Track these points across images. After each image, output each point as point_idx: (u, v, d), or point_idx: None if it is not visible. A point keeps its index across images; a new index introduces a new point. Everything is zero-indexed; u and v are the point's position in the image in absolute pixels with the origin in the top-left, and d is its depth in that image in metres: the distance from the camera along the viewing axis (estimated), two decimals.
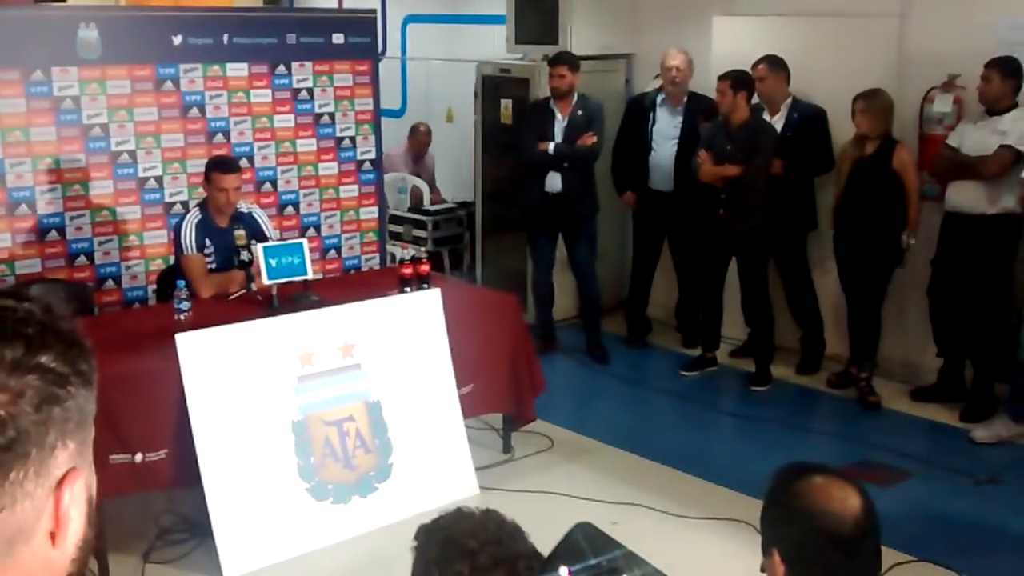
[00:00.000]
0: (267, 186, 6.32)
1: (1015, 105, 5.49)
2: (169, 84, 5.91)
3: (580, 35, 7.24)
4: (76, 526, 0.89)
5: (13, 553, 0.85)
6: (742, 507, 4.35)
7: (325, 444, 4.47)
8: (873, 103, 5.76)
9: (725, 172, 6.07)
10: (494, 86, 7.52)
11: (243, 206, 5.28)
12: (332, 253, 6.63)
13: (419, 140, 8.86)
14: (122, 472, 3.99)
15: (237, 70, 6.12)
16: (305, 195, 6.47)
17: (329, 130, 6.52)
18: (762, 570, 1.99)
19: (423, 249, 6.66)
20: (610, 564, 1.35)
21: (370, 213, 6.78)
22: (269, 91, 6.25)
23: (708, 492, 4.86)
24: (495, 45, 7.84)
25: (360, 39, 6.60)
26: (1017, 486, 4.98)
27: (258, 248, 4.77)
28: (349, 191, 6.65)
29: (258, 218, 5.33)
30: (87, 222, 5.70)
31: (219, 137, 6.09)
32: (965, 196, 5.60)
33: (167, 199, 5.94)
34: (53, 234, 5.61)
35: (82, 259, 5.70)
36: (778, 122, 6.27)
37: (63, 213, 5.62)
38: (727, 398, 6.33)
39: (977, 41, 5.64)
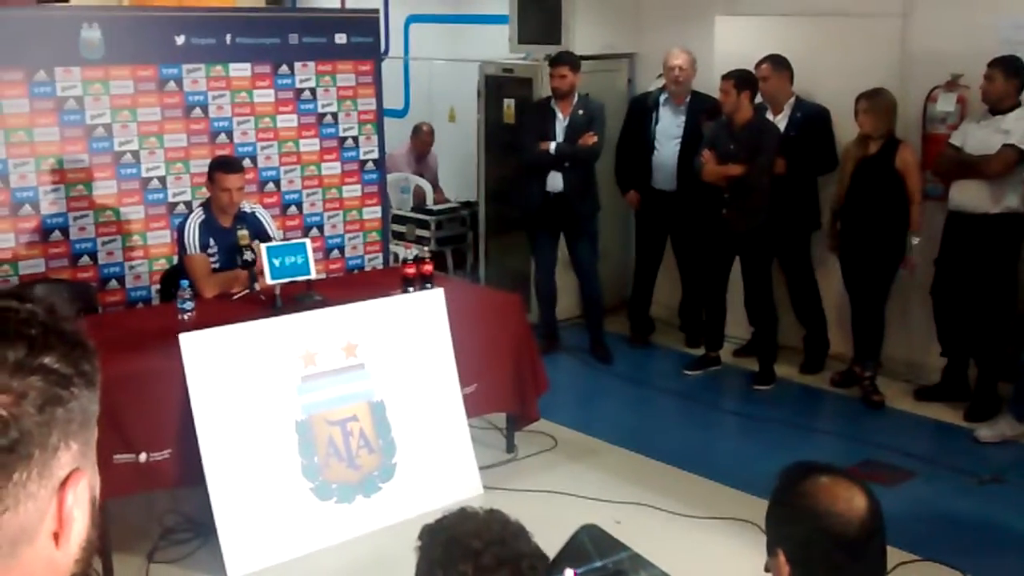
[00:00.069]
0: (270, 186, 6.32)
1: (1018, 104, 5.48)
2: (172, 84, 5.91)
3: (583, 34, 7.23)
4: (79, 527, 0.89)
5: (17, 554, 0.85)
6: (746, 507, 4.35)
7: (329, 444, 4.48)
8: (876, 103, 5.76)
9: (728, 171, 6.06)
10: (497, 86, 7.52)
11: (246, 206, 5.28)
12: (335, 253, 6.64)
13: (422, 140, 8.86)
14: (126, 472, 3.99)
15: (240, 70, 6.12)
16: (308, 195, 6.47)
17: (332, 130, 6.52)
18: (767, 570, 1.98)
19: (426, 249, 6.63)
20: (616, 566, 1.34)
21: (373, 213, 6.78)
22: (272, 91, 6.25)
23: (712, 492, 4.85)
24: (498, 45, 7.84)
25: (363, 39, 6.60)
26: (1021, 485, 4.97)
27: (261, 248, 4.77)
28: (352, 191, 6.65)
29: (261, 218, 5.33)
30: (90, 222, 5.70)
31: (222, 137, 6.09)
32: (968, 195, 5.59)
33: (170, 199, 5.94)
34: (57, 234, 5.61)
35: (85, 259, 5.71)
36: (781, 122, 6.27)
37: (67, 213, 5.63)
38: (731, 397, 6.33)
39: (980, 40, 5.63)
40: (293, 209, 6.42)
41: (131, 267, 5.84)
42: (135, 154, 5.81)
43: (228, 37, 6.07)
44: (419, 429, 4.70)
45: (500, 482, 4.87)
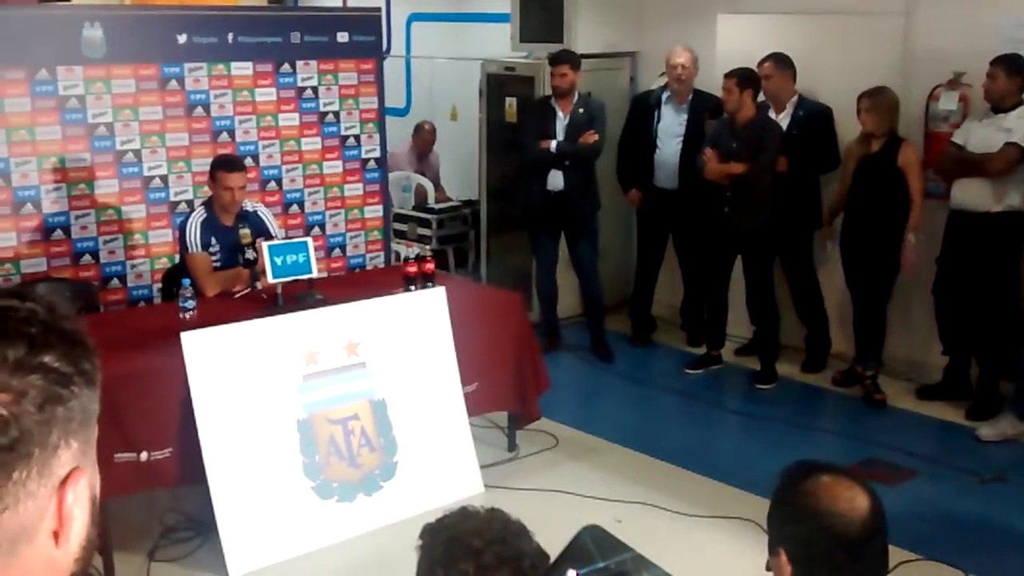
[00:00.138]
0: (272, 185, 6.32)
1: (1021, 102, 5.48)
2: (174, 83, 5.91)
3: (585, 33, 7.23)
4: (79, 525, 0.89)
5: (16, 553, 0.85)
6: (748, 506, 4.35)
7: (330, 442, 4.48)
8: (878, 101, 5.76)
9: (730, 170, 6.06)
10: (499, 84, 7.52)
11: (248, 205, 5.29)
12: (337, 252, 6.63)
13: (423, 138, 8.86)
14: (127, 470, 3.99)
15: (242, 69, 6.12)
16: (310, 194, 6.47)
17: (334, 129, 6.52)
18: (768, 569, 1.98)
19: (428, 247, 6.67)
20: (618, 567, 1.34)
21: (375, 211, 6.78)
22: (274, 90, 6.25)
23: (713, 490, 4.85)
24: (500, 43, 7.83)
25: (365, 37, 6.60)
26: (1022, 484, 4.97)
27: (263, 247, 4.77)
28: (354, 189, 6.65)
29: (263, 216, 5.33)
30: (92, 221, 5.70)
31: (224, 136, 6.09)
32: (970, 194, 5.58)
33: (172, 198, 5.94)
34: (58, 233, 5.61)
35: (87, 258, 5.71)
36: (784, 120, 6.26)
37: (68, 212, 5.63)
38: (732, 396, 6.33)
39: (982, 39, 5.63)
40: (295, 208, 6.42)
41: (133, 266, 5.85)
42: (137, 153, 5.81)
43: (230, 36, 6.07)
44: (420, 428, 4.70)
45: (501, 481, 4.87)
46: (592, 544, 1.37)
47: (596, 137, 6.45)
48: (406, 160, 8.79)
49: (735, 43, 6.63)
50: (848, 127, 6.04)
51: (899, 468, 5.13)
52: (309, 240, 4.97)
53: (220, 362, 4.26)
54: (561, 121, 6.55)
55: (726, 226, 6.19)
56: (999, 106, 5.50)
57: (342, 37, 6.49)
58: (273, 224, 5.40)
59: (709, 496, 4.76)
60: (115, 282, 5.80)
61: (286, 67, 6.29)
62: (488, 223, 7.80)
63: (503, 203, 7.54)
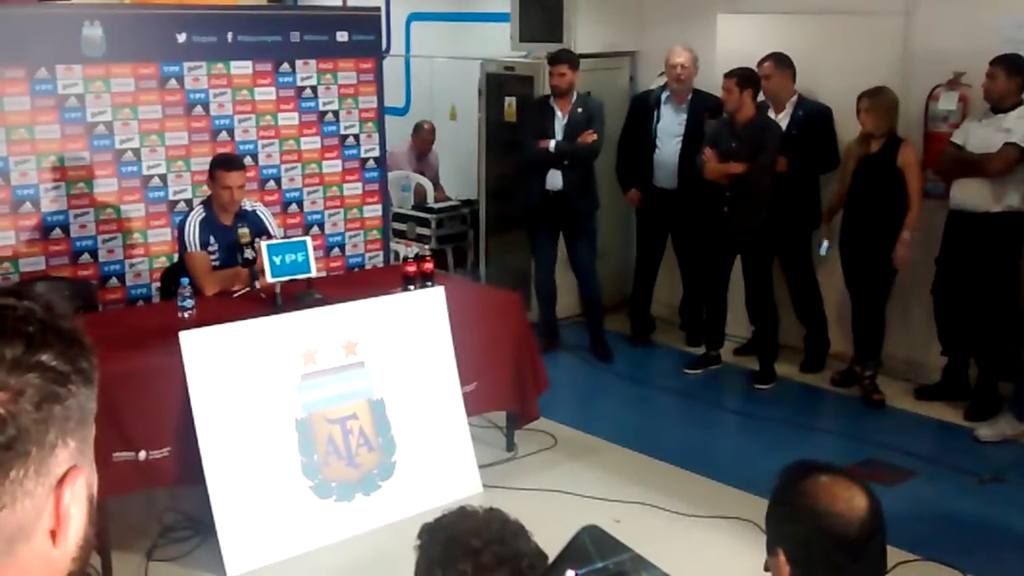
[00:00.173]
0: (271, 184, 6.32)
1: (1020, 103, 5.48)
2: (173, 82, 5.91)
3: (584, 33, 7.23)
4: (77, 524, 0.89)
5: (14, 552, 0.85)
6: (746, 506, 4.35)
7: (328, 442, 4.47)
8: (878, 101, 5.76)
9: (730, 170, 6.06)
10: (498, 84, 7.51)
11: (247, 204, 5.29)
12: (336, 251, 6.63)
13: (423, 138, 8.86)
14: (126, 469, 3.99)
15: (241, 68, 6.12)
16: (309, 193, 6.47)
17: (333, 128, 6.52)
18: (766, 569, 1.98)
19: (427, 247, 6.66)
20: (617, 567, 1.34)
21: (374, 211, 6.77)
22: (273, 89, 6.25)
23: (712, 490, 4.85)
24: (499, 43, 7.83)
25: (364, 37, 6.60)
26: (1021, 484, 4.97)
27: (262, 246, 4.77)
28: (353, 189, 6.65)
29: (262, 216, 5.33)
30: (91, 220, 5.70)
31: (223, 135, 6.09)
32: (970, 194, 5.59)
33: (171, 197, 5.94)
34: (57, 232, 5.61)
35: (86, 257, 5.71)
36: (783, 120, 6.26)
37: (67, 211, 5.63)
38: (731, 396, 6.33)
39: (982, 39, 5.63)
40: (294, 207, 6.42)
41: (131, 265, 5.84)
42: (136, 152, 5.81)
43: (229, 35, 6.07)
44: (419, 427, 4.70)
45: (500, 481, 4.87)
46: (591, 544, 1.36)
47: (595, 136, 6.45)
48: (405, 159, 8.79)
49: (735, 43, 6.63)
50: (848, 127, 6.05)
51: (898, 468, 5.13)
52: (308, 239, 4.97)
53: (219, 361, 4.26)
54: (560, 121, 6.55)
55: (725, 226, 6.19)
56: (999, 106, 5.50)
57: (341, 36, 6.49)
58: (272, 223, 5.40)
59: (708, 496, 4.76)
60: (114, 281, 5.80)
61: (285, 66, 6.28)
62: (487, 223, 7.80)
63: (502, 203, 7.54)
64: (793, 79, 6.29)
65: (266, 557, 4.20)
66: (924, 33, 6.01)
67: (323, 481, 4.41)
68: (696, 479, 4.99)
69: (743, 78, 6.00)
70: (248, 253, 4.95)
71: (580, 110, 6.52)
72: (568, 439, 5.42)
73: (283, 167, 6.35)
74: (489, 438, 5.28)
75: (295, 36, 6.31)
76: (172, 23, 5.91)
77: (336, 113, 6.51)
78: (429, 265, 5.08)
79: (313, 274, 4.88)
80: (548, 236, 6.78)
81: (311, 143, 6.43)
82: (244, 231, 4.98)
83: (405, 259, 5.23)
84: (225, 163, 5.19)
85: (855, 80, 5.90)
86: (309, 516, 4.34)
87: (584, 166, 6.58)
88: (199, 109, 6.01)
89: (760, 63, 6.23)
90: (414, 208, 8.53)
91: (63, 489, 0.87)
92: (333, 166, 6.55)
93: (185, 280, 4.70)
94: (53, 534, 0.87)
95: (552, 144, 6.47)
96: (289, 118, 6.33)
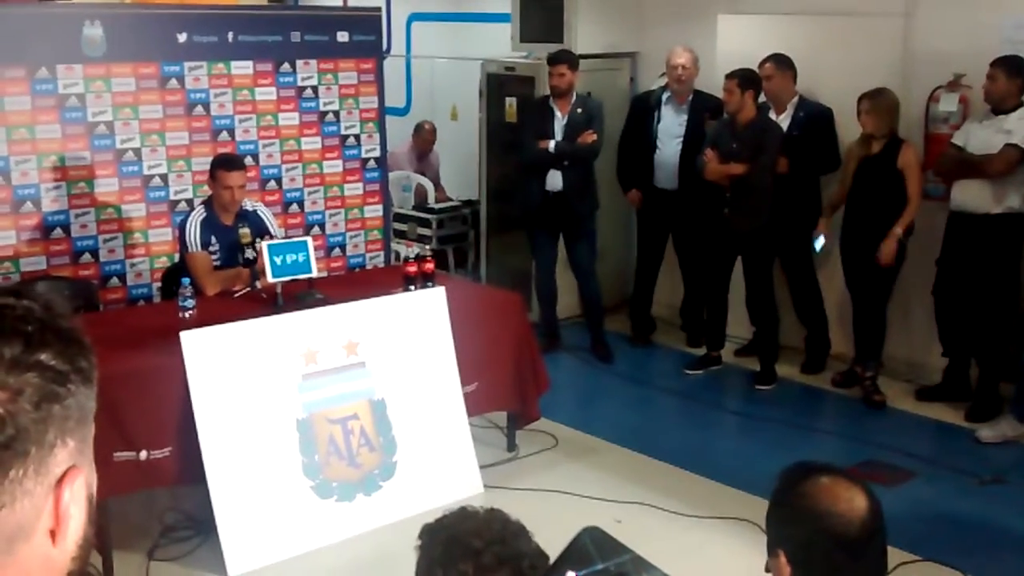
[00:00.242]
0: (272, 184, 6.32)
1: (1021, 104, 5.47)
2: (174, 82, 5.91)
3: (585, 33, 7.23)
4: (76, 524, 0.89)
5: (13, 551, 0.85)
6: (747, 506, 4.35)
7: (329, 442, 4.47)
8: (879, 102, 5.75)
9: (731, 171, 6.06)
10: (499, 84, 7.52)
11: (248, 204, 5.29)
12: (336, 251, 6.63)
13: (423, 138, 8.86)
14: (126, 469, 3.99)
15: (242, 68, 6.12)
16: (310, 193, 6.47)
17: (334, 128, 6.52)
18: (767, 570, 1.98)
19: (427, 247, 6.65)
20: (618, 569, 1.33)
21: (375, 211, 6.77)
22: (274, 89, 6.25)
23: (713, 491, 4.85)
24: (500, 43, 7.83)
25: (365, 37, 6.60)
26: (1022, 486, 4.97)
27: (263, 246, 4.77)
28: (354, 189, 6.65)
29: (263, 216, 5.33)
30: (92, 220, 5.70)
31: (224, 135, 6.09)
32: (970, 195, 5.58)
33: (172, 197, 5.94)
34: (58, 231, 5.61)
35: (87, 257, 5.71)
36: (784, 121, 6.26)
37: (68, 211, 5.63)
38: (731, 397, 6.33)
39: (982, 40, 5.63)
40: (295, 207, 6.42)
41: (132, 265, 5.84)
42: (137, 152, 5.81)
43: (230, 35, 6.07)
44: (420, 427, 4.70)
45: (500, 481, 4.87)
46: (591, 545, 1.36)
47: (594, 137, 6.45)
48: (406, 160, 8.79)
49: (735, 44, 6.63)
50: (848, 128, 6.04)
51: (898, 469, 5.12)
52: (309, 239, 4.97)
53: (219, 361, 4.26)
54: (559, 121, 6.54)
55: (726, 227, 6.19)
56: (999, 107, 5.50)
57: (342, 36, 6.49)
58: (273, 223, 5.40)
59: (708, 497, 4.76)
60: (115, 281, 5.80)
61: (286, 66, 6.28)
62: (488, 223, 7.80)
63: (503, 203, 7.54)
64: (794, 80, 6.29)
65: (267, 557, 4.20)
66: (924, 34, 6.01)
67: (324, 481, 4.41)
68: (697, 480, 4.99)
69: (744, 79, 6.00)
70: (249, 253, 4.95)
71: (580, 110, 6.52)
72: (569, 439, 5.41)
73: (284, 167, 6.35)
74: (490, 438, 5.27)
75: (296, 36, 6.31)
76: (173, 23, 5.91)
77: (337, 113, 6.51)
78: (430, 265, 5.08)
79: (314, 274, 4.88)
80: (548, 237, 6.78)
81: (312, 143, 6.43)
82: (245, 231, 4.99)
83: (406, 259, 5.23)
84: (226, 163, 5.19)
85: (856, 81, 5.90)
86: (310, 516, 4.34)
87: (584, 167, 6.57)
88: (200, 109, 6.01)
89: (761, 64, 6.23)
90: (415, 208, 8.53)
91: (62, 488, 0.87)
92: (334, 166, 6.55)
93: (186, 280, 4.70)
94: (52, 533, 0.87)
95: (552, 144, 6.47)
96: (290, 118, 6.33)
